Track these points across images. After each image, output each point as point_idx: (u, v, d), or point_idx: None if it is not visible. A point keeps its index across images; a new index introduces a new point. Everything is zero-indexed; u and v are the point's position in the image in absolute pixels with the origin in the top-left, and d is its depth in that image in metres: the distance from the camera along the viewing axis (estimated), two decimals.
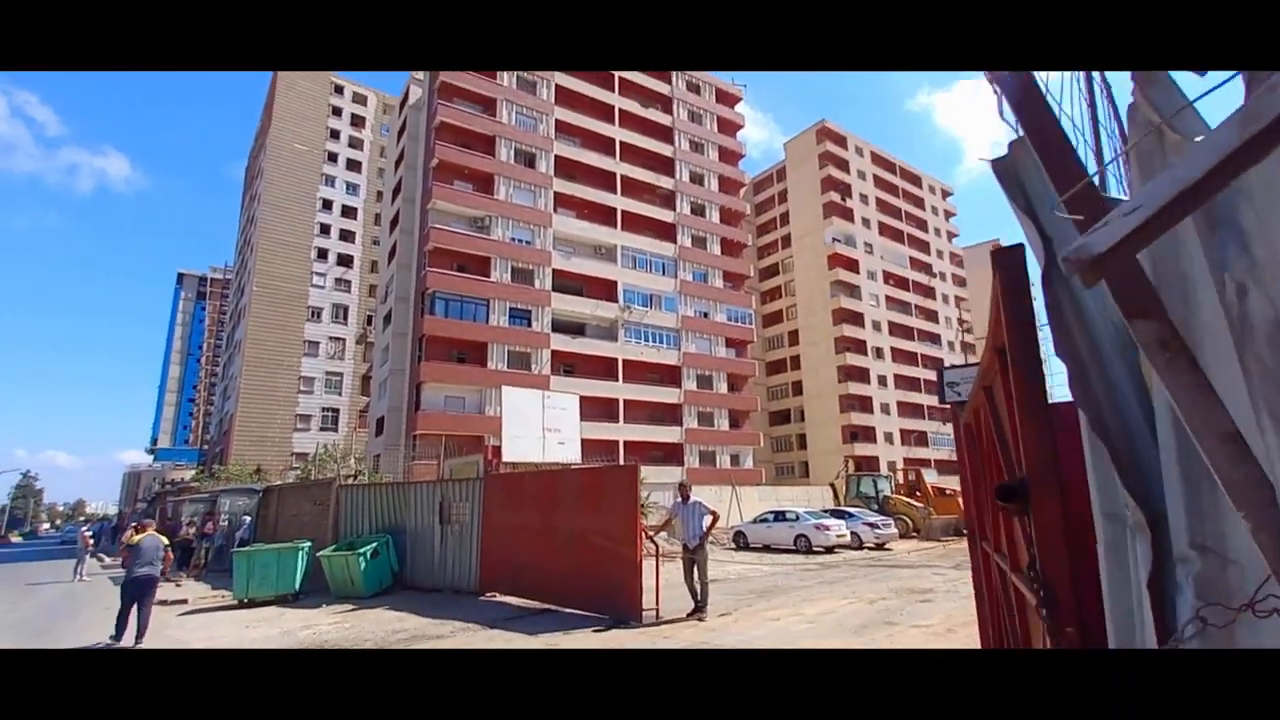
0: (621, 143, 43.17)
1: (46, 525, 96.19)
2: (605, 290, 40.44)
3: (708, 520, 8.67)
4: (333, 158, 57.26)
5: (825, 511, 20.33)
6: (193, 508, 18.71)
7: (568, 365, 38.34)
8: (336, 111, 58.40)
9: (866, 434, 53.38)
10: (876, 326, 57.37)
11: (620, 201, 42.17)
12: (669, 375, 41.83)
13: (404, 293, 38.33)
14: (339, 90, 59.13)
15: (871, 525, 18.59)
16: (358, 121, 59.70)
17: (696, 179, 46.54)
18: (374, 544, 11.41)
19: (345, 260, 56.05)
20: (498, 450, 11.95)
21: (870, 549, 18.25)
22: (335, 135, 57.79)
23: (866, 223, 59.67)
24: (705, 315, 44.23)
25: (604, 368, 39.03)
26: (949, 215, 71.33)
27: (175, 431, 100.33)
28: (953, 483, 46.42)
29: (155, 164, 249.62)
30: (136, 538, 8.74)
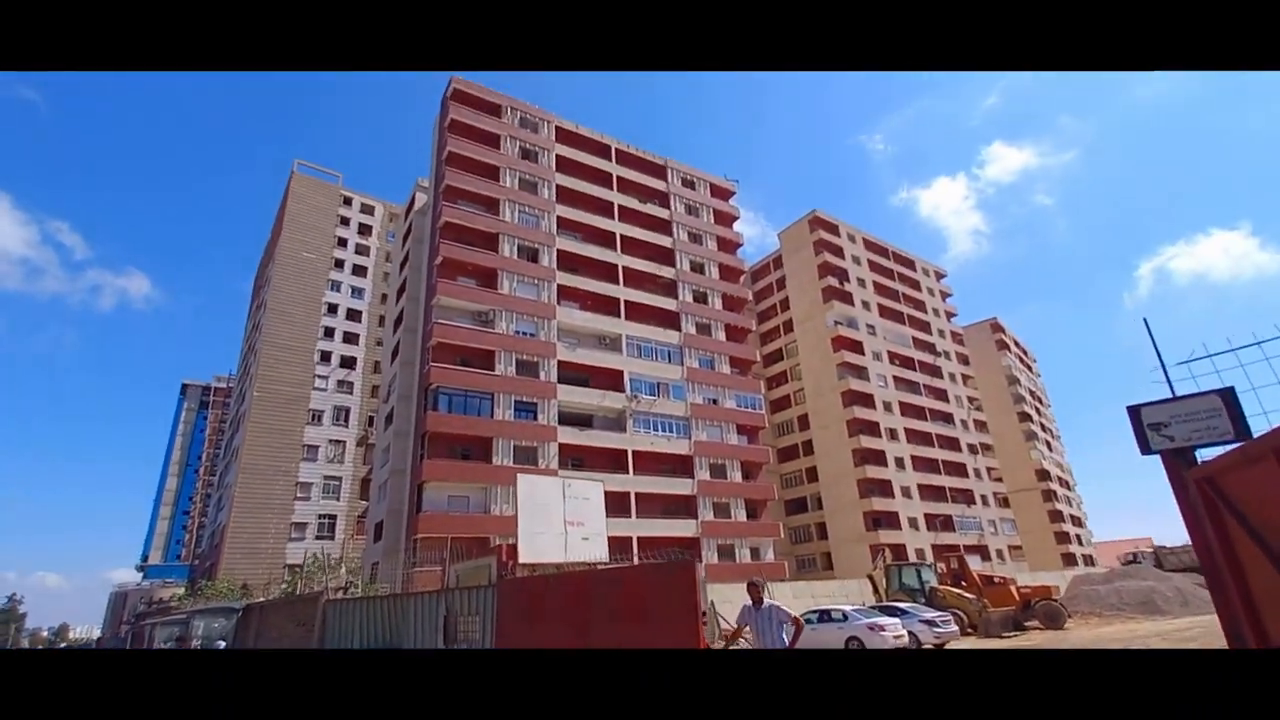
0: (622, 236, 44.05)
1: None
2: (612, 380, 39.65)
3: (789, 631, 6.93)
4: (339, 264, 58.52)
5: (874, 608, 18.24)
6: (165, 631, 16.69)
7: (576, 458, 36.77)
8: (345, 221, 60.40)
9: (890, 520, 50.68)
10: (888, 407, 56.15)
11: (623, 292, 42.36)
12: (681, 465, 40.13)
13: (406, 391, 37.51)
14: (348, 201, 61.53)
15: (929, 623, 16.52)
16: (365, 230, 61.61)
17: (697, 268, 47.14)
18: None
19: (348, 362, 55.79)
20: (513, 550, 10.43)
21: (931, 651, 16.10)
22: (343, 243, 59.41)
23: (866, 305, 60.06)
24: (714, 402, 43.17)
25: (613, 460, 37.43)
26: (945, 296, 72.15)
27: (168, 547, 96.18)
28: (991, 569, 43.34)
29: (174, 282, 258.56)
30: None
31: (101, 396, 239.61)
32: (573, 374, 38.33)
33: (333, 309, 56.43)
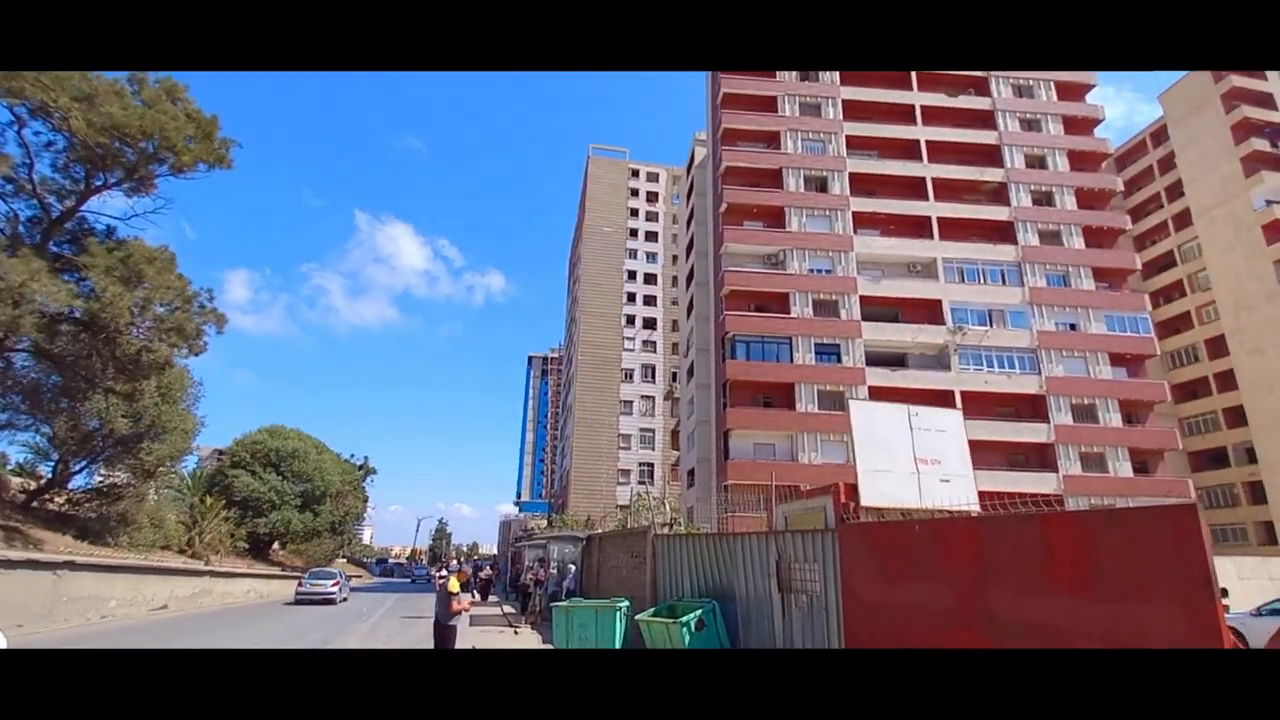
0: (927, 142, 37.11)
1: (454, 561, 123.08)
2: (927, 312, 34.08)
3: None
4: (634, 233, 62.89)
5: None
6: (532, 553, 19.38)
7: (890, 403, 32.68)
8: (634, 193, 64.52)
9: None
10: None
11: (933, 208, 35.81)
12: (1029, 407, 32.70)
13: (704, 344, 38.06)
14: (635, 174, 65.51)
15: None
16: (652, 197, 64.97)
17: (1034, 161, 37.33)
18: (698, 612, 8.86)
19: (649, 323, 59.97)
20: (851, 489, 8.44)
21: None
22: (634, 213, 63.61)
23: None
24: (1073, 327, 33.98)
25: (937, 402, 32.08)
26: None
27: (533, 487, 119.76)
28: None
29: (520, 274, 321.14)
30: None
31: (489, 371, 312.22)
32: (879, 309, 34.02)
33: (632, 275, 61.06)
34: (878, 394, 32.44)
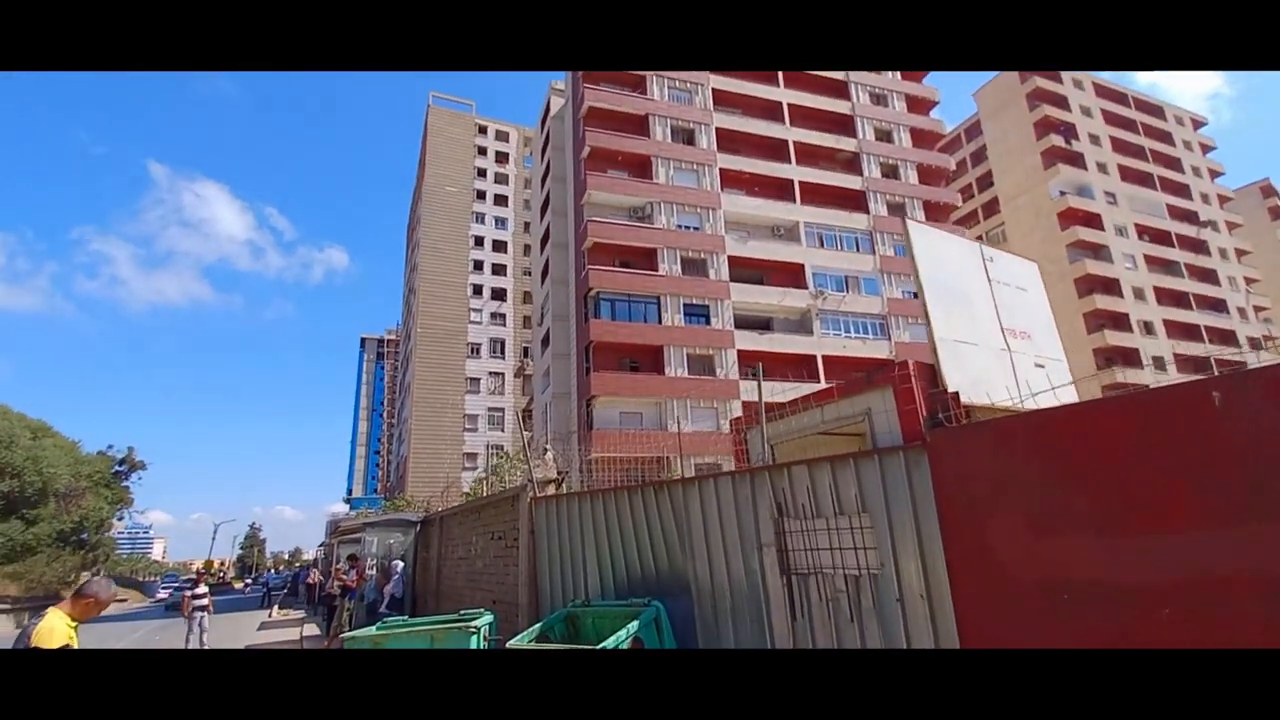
0: (789, 104, 36.60)
1: (270, 571, 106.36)
2: (791, 276, 33.48)
3: None
4: (481, 195, 56.98)
5: None
6: (346, 549, 14.42)
7: (753, 366, 31.58)
8: (482, 151, 58.47)
9: None
10: (1139, 295, 44.12)
11: (795, 171, 35.35)
12: (881, 372, 33.40)
13: (561, 310, 34.26)
14: (482, 130, 59.38)
15: None
16: (501, 158, 59.37)
17: (883, 135, 38.47)
18: (631, 627, 5.03)
19: (499, 294, 54.72)
20: (928, 372, 5.22)
21: None
22: (482, 174, 57.67)
23: (1103, 168, 47.08)
24: (916, 296, 35.35)
25: (801, 366, 31.64)
26: (1206, 149, 55.46)
27: (366, 482, 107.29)
28: None
29: (366, 251, 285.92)
30: None
31: (317, 359, 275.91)
32: (746, 271, 32.71)
33: (479, 241, 55.25)
34: (746, 358, 31.14)
